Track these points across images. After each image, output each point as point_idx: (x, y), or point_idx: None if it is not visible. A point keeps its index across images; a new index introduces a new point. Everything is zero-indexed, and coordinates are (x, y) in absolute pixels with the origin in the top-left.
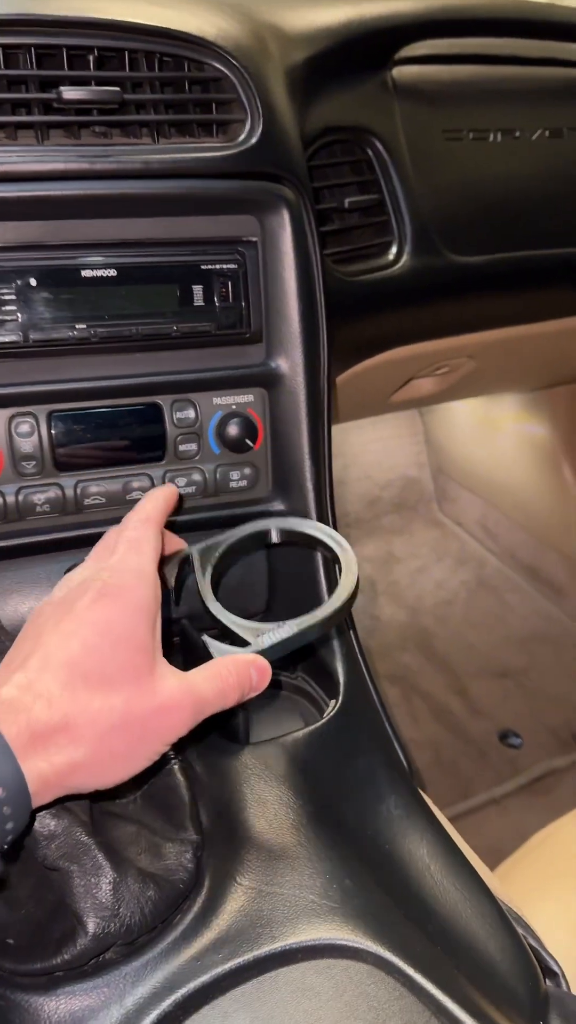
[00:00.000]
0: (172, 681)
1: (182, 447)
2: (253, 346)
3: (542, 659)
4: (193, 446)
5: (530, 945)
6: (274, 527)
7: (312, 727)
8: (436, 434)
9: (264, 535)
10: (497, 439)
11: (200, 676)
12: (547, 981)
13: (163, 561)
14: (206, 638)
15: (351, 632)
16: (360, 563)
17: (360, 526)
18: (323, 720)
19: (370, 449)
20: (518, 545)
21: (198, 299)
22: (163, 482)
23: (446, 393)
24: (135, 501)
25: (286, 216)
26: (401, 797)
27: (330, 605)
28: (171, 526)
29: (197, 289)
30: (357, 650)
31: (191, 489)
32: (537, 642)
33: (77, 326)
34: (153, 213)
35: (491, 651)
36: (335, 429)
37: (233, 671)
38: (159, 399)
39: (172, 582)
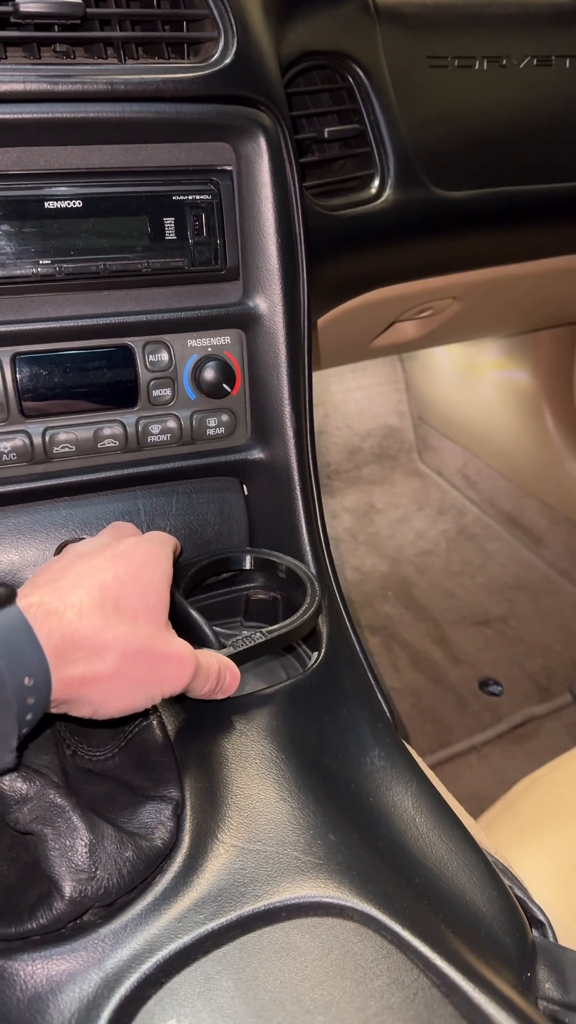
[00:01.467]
0: (181, 640)
1: (156, 392)
2: (229, 284)
3: (522, 607)
4: (167, 391)
5: (516, 896)
6: (248, 556)
7: (294, 680)
8: (417, 382)
9: (235, 560)
10: (479, 386)
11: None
12: (534, 931)
13: None
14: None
15: (334, 584)
16: (339, 514)
17: (340, 477)
18: (305, 673)
19: (351, 398)
20: (498, 493)
21: (170, 233)
22: (136, 429)
23: (429, 338)
24: (107, 450)
25: (263, 143)
26: (385, 749)
27: (297, 620)
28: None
29: (169, 222)
30: (340, 602)
31: (166, 437)
32: (517, 590)
33: (41, 262)
34: (121, 140)
35: (471, 600)
36: (315, 376)
37: (215, 664)
38: (130, 341)
39: None
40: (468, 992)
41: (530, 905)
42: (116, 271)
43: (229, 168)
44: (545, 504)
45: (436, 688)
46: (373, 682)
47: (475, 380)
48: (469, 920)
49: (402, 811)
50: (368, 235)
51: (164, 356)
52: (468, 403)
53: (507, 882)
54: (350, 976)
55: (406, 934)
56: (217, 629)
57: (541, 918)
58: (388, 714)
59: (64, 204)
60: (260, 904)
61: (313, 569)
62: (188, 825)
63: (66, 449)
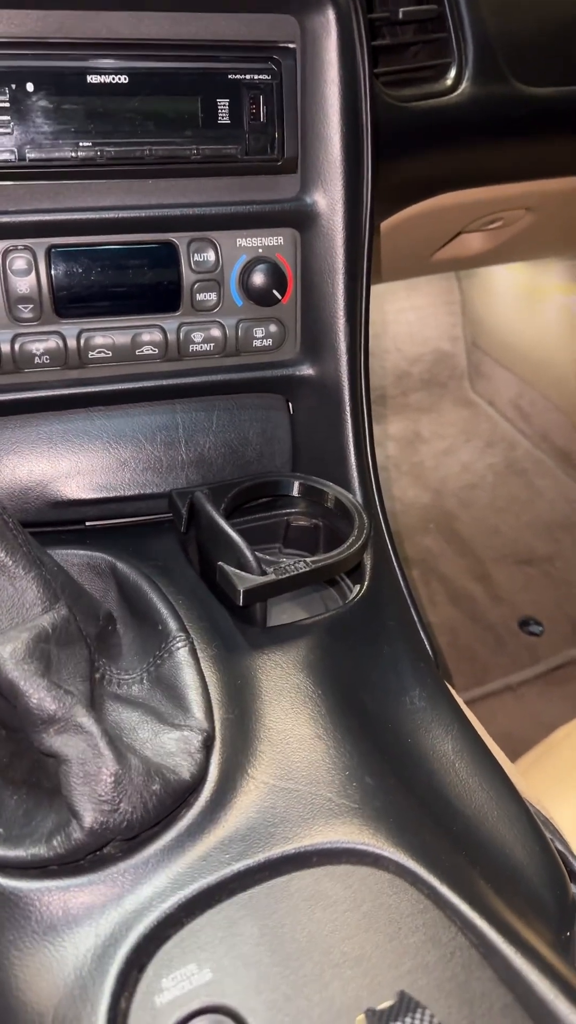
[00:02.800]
0: None
1: (200, 296)
2: (286, 177)
3: (569, 547)
4: (212, 296)
5: (557, 849)
6: (295, 482)
7: (335, 612)
8: (474, 303)
9: (282, 485)
10: (540, 311)
11: None
12: (574, 887)
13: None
14: (223, 566)
15: (380, 516)
16: (383, 442)
17: (386, 403)
18: (347, 606)
19: (403, 319)
20: (553, 427)
21: (223, 116)
22: (177, 336)
23: (495, 253)
24: (145, 358)
25: (332, 18)
26: (426, 689)
27: (343, 552)
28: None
29: (223, 104)
30: (386, 533)
31: (208, 347)
32: (565, 529)
33: (81, 144)
34: (174, 6)
35: (516, 537)
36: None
37: None
38: (175, 237)
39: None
40: (507, 954)
41: (571, 859)
42: (163, 157)
43: (292, 45)
44: None
45: (474, 626)
46: (416, 619)
47: (537, 304)
48: (508, 874)
49: (441, 755)
50: (441, 131)
51: (211, 256)
52: (528, 329)
53: (548, 834)
54: (383, 930)
55: (444, 889)
56: (259, 555)
57: None
58: (430, 653)
59: (109, 79)
60: (290, 847)
61: (360, 497)
62: (217, 758)
63: (102, 354)
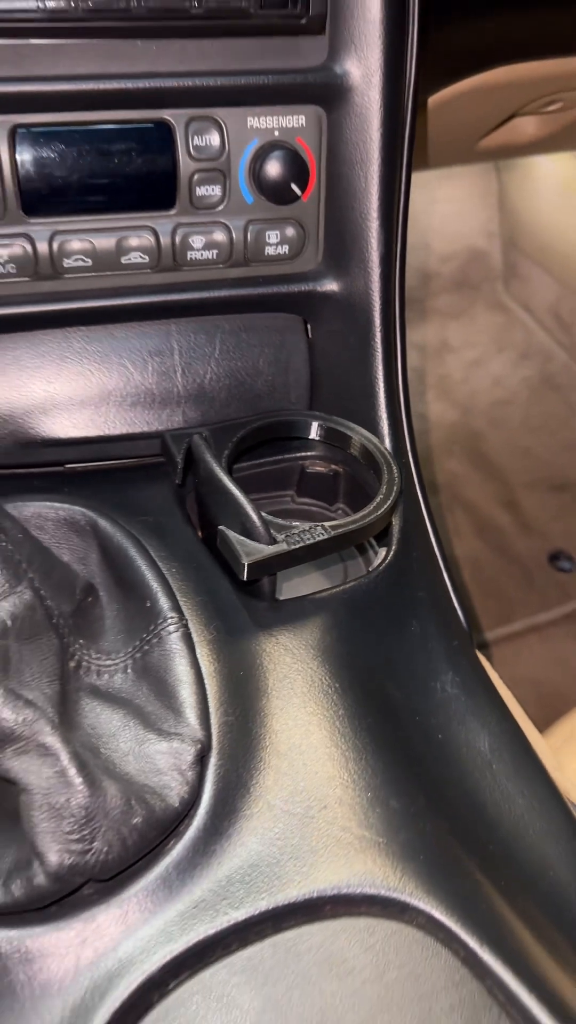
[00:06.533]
0: None
1: (200, 191)
2: (311, 40)
3: None
4: (216, 190)
5: None
6: (315, 424)
7: (355, 582)
8: (513, 197)
9: (298, 426)
10: None
11: None
12: None
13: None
14: (225, 531)
15: (413, 466)
16: (407, 350)
17: (411, 306)
18: (370, 575)
19: (434, 211)
20: None
21: None
22: (172, 240)
23: (549, 140)
24: (133, 267)
25: None
26: (460, 672)
27: (370, 515)
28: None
29: None
30: (418, 487)
31: (211, 254)
32: None
33: None
34: None
35: (550, 460)
36: None
37: None
38: (169, 115)
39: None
40: None
41: None
42: (155, 10)
43: None
44: None
45: (499, 559)
46: (451, 589)
47: None
48: (553, 904)
49: (476, 754)
50: None
51: (214, 139)
52: (571, 227)
53: None
54: (411, 1009)
55: (484, 953)
56: (268, 517)
57: None
58: (466, 628)
59: None
60: (300, 891)
61: (389, 443)
62: (213, 775)
63: (80, 263)
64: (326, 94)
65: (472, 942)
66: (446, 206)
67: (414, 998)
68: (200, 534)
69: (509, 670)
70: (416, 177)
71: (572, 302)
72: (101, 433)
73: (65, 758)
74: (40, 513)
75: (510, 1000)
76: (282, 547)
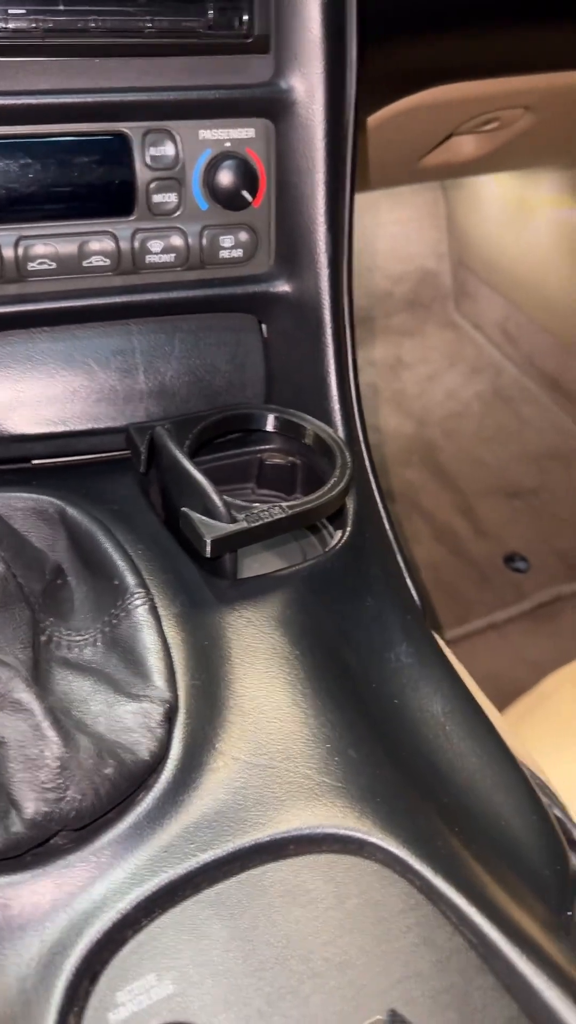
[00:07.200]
0: None
1: (157, 198)
2: (257, 58)
3: (556, 479)
4: (172, 197)
5: (555, 816)
6: (270, 416)
7: (313, 560)
8: (460, 217)
9: (255, 419)
10: (530, 226)
11: None
12: (572, 855)
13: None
14: (188, 512)
15: (365, 453)
16: (363, 367)
17: (367, 325)
18: (327, 554)
19: (385, 233)
20: (541, 352)
21: None
22: (132, 245)
23: (489, 159)
24: (95, 269)
25: None
26: (413, 643)
27: (324, 495)
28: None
29: None
30: (370, 473)
31: (169, 257)
32: (552, 460)
33: (12, 11)
34: None
35: (502, 468)
36: None
37: None
38: (126, 127)
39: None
40: (509, 957)
41: (569, 825)
42: (111, 30)
43: None
44: None
45: (457, 561)
46: (404, 567)
47: (526, 219)
48: (504, 849)
49: (430, 716)
50: (437, 10)
51: (169, 150)
52: (516, 246)
53: (546, 800)
54: (370, 931)
55: (438, 880)
56: (228, 499)
57: None
58: (418, 603)
59: None
60: (264, 833)
61: (342, 432)
62: (181, 732)
63: (44, 266)
64: (273, 108)
65: (427, 871)
66: (396, 228)
67: (373, 921)
68: (163, 520)
69: (470, 666)
70: (366, 200)
71: (518, 318)
72: (67, 428)
73: (39, 712)
74: (8, 503)
75: (461, 920)
76: (242, 525)
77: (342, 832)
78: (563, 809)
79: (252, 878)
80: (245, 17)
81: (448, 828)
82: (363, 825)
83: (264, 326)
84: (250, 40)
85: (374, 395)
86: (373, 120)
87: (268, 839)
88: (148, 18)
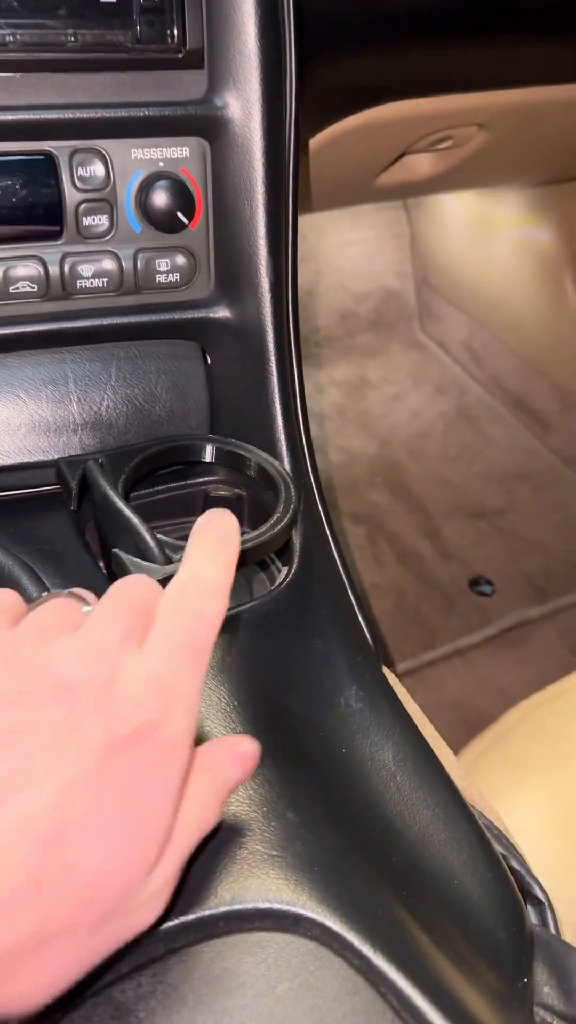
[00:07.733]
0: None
1: (87, 220)
2: (190, 73)
3: (522, 499)
4: (103, 220)
5: (512, 868)
6: (209, 446)
7: (256, 602)
8: (423, 237)
9: (193, 450)
10: (493, 246)
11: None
12: (530, 909)
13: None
14: (119, 553)
15: (313, 484)
16: (327, 388)
17: (331, 345)
18: (270, 594)
19: (347, 253)
20: (505, 371)
21: None
22: (61, 270)
23: (445, 178)
24: (22, 296)
25: None
26: (364, 687)
27: (266, 532)
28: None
29: None
30: (320, 507)
31: (101, 282)
32: (518, 480)
33: None
34: None
35: (467, 489)
36: (306, 222)
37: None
38: (52, 147)
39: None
40: None
41: (527, 879)
42: (30, 44)
43: None
44: (557, 386)
45: (422, 586)
46: (355, 604)
47: (489, 237)
48: (456, 912)
49: (381, 766)
50: (383, 23)
51: (99, 170)
52: (479, 265)
53: (502, 850)
54: (302, 1019)
55: (378, 959)
56: (163, 538)
57: (540, 895)
58: (371, 643)
59: None
60: (190, 913)
61: (288, 464)
62: None
63: None
64: (208, 126)
65: (366, 949)
66: (359, 247)
67: (306, 1009)
68: (101, 561)
69: (435, 694)
70: (326, 219)
71: (483, 337)
72: None
73: None
74: None
75: (404, 1005)
76: (175, 567)
77: (275, 907)
78: (520, 860)
79: (173, 962)
80: (175, 30)
81: (395, 893)
82: (298, 898)
83: (208, 354)
84: (181, 55)
85: (339, 415)
86: (324, 137)
87: (194, 918)
88: (70, 31)
